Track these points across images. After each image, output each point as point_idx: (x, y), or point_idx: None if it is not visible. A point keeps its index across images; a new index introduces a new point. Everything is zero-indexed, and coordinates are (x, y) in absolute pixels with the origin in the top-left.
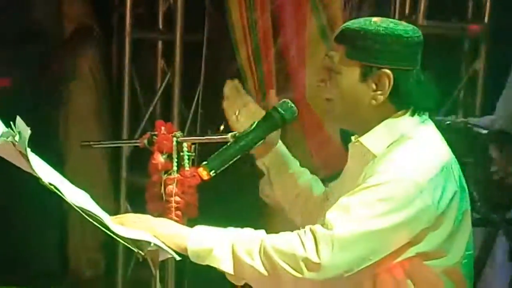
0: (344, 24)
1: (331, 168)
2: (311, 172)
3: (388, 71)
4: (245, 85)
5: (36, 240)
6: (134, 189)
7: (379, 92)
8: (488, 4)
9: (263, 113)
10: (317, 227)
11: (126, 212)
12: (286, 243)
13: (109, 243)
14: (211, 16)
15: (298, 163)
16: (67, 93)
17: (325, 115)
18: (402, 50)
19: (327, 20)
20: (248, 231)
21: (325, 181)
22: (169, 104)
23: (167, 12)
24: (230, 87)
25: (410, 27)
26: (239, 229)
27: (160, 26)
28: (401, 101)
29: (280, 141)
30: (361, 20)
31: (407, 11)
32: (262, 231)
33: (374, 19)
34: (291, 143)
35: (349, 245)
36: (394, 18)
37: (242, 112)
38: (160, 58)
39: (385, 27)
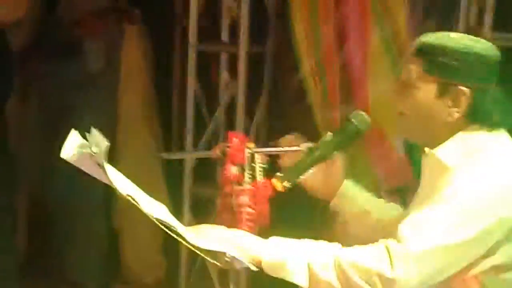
0: (422, 38)
1: (394, 180)
2: (374, 185)
3: (465, 88)
4: (309, 96)
5: (92, 243)
6: (197, 200)
7: (455, 109)
8: None
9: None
10: (391, 242)
11: (190, 223)
12: (361, 258)
13: (171, 246)
14: (275, 28)
15: (373, 199)
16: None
17: (390, 127)
18: (480, 68)
19: (391, 33)
20: (323, 243)
21: (391, 192)
22: (232, 116)
23: (231, 24)
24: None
25: (488, 44)
26: (314, 241)
27: (224, 38)
28: (477, 118)
29: (348, 181)
30: (439, 34)
31: (472, 22)
32: (338, 244)
33: (452, 34)
34: (353, 155)
35: (423, 260)
36: (458, 30)
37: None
38: (224, 70)
39: (464, 44)
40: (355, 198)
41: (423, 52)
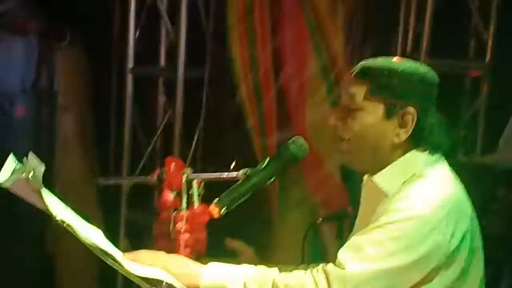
0: (365, 62)
1: (331, 206)
2: (311, 210)
3: (412, 109)
4: (246, 122)
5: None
6: (134, 226)
7: (402, 130)
8: (490, 42)
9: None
10: (330, 266)
11: (126, 249)
12: (298, 282)
13: (106, 273)
14: (213, 53)
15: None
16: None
17: (328, 153)
18: (424, 89)
19: (329, 59)
20: (261, 269)
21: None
22: (170, 141)
23: (169, 48)
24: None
25: (428, 68)
26: (252, 266)
27: (162, 63)
28: (421, 139)
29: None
30: (382, 58)
31: (409, 49)
32: (275, 269)
33: (393, 58)
34: (290, 181)
35: (361, 284)
36: (396, 55)
37: None
38: (161, 95)
39: (408, 66)
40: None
41: (368, 75)
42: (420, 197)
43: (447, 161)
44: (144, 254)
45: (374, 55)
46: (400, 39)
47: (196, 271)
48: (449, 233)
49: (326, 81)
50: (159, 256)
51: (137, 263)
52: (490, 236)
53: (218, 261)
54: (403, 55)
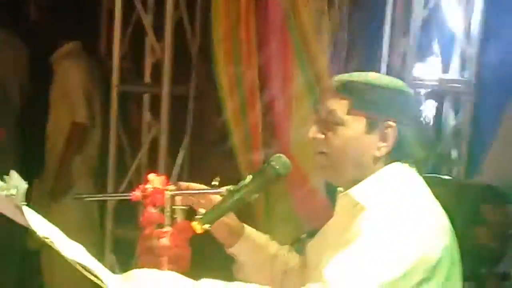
0: (344, 76)
1: (316, 222)
2: (296, 227)
3: (393, 123)
4: (231, 138)
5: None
6: (119, 242)
7: (383, 144)
8: (473, 58)
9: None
10: (314, 285)
11: (112, 265)
12: None
13: None
14: (198, 69)
15: (271, 245)
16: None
17: (312, 169)
18: (404, 104)
19: (314, 74)
20: (253, 286)
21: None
22: (155, 157)
23: (154, 65)
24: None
25: (403, 82)
26: (244, 283)
27: (147, 79)
28: (402, 153)
29: (248, 228)
30: (362, 73)
31: (394, 66)
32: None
33: (372, 73)
34: (275, 197)
35: None
36: (381, 72)
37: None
38: (147, 111)
39: (389, 81)
40: (255, 246)
41: (350, 90)
42: (400, 212)
43: (427, 175)
44: (137, 273)
45: (361, 71)
46: (385, 56)
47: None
48: (433, 245)
49: (312, 98)
50: (152, 273)
51: (128, 281)
52: (473, 253)
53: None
54: (389, 71)
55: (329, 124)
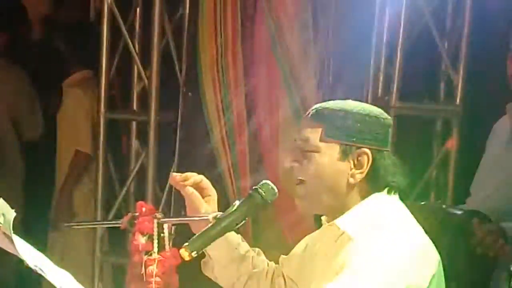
0: (320, 104)
1: None
2: (285, 252)
3: (367, 150)
4: (219, 165)
5: None
6: (108, 269)
7: (358, 171)
8: (460, 85)
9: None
10: None
11: None
12: None
13: None
14: (185, 97)
15: (242, 245)
16: None
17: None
18: (379, 131)
19: (300, 101)
20: None
21: None
22: (143, 184)
23: (141, 92)
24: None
25: (381, 110)
26: None
27: (134, 107)
28: (377, 180)
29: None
30: (337, 101)
31: (380, 92)
32: None
33: (348, 101)
34: (264, 223)
35: None
36: (367, 99)
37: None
38: (134, 139)
39: (363, 108)
40: (229, 239)
41: (325, 117)
42: (387, 242)
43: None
44: None
45: (346, 98)
46: (370, 83)
47: None
48: (421, 275)
49: (298, 124)
50: None
51: None
52: (459, 280)
53: None
54: (375, 98)
55: (304, 152)
